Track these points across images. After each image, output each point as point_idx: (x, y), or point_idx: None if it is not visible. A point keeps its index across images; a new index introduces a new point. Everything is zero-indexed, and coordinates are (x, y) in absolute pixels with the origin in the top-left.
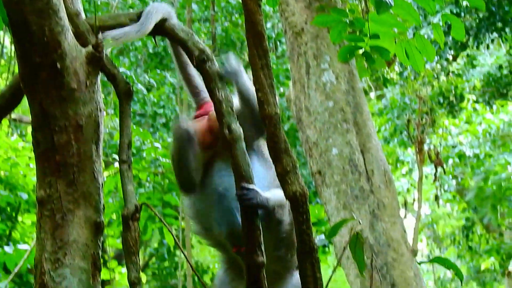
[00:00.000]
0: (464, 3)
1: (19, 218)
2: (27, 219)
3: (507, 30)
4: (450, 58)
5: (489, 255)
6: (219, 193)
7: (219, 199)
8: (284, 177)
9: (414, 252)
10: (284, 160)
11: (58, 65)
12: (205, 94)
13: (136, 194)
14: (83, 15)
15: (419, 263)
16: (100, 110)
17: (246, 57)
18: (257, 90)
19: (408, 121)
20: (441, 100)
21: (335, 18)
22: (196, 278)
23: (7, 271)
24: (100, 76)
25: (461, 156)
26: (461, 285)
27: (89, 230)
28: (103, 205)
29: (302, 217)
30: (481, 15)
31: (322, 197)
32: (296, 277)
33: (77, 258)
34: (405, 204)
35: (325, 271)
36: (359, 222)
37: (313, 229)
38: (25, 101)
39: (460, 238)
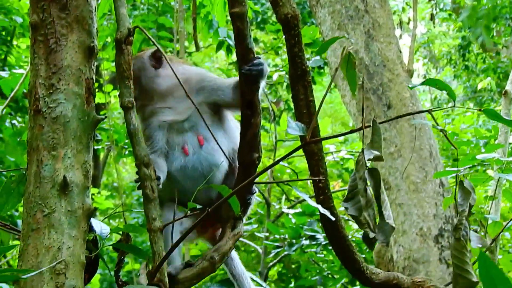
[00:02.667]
0: None
1: (14, 42)
2: (22, 43)
3: None
4: None
5: (486, 75)
6: None
7: None
8: None
9: (410, 72)
10: None
11: None
12: None
13: (130, 17)
14: None
15: (410, 88)
16: None
17: None
18: None
19: None
20: None
21: None
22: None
23: (3, 96)
24: None
25: None
26: (454, 105)
27: (83, 55)
28: (97, 29)
29: (294, 40)
30: None
31: (317, 17)
32: None
33: (71, 83)
34: (400, 23)
35: (321, 92)
36: (351, 43)
37: (308, 51)
38: None
39: (457, 58)
